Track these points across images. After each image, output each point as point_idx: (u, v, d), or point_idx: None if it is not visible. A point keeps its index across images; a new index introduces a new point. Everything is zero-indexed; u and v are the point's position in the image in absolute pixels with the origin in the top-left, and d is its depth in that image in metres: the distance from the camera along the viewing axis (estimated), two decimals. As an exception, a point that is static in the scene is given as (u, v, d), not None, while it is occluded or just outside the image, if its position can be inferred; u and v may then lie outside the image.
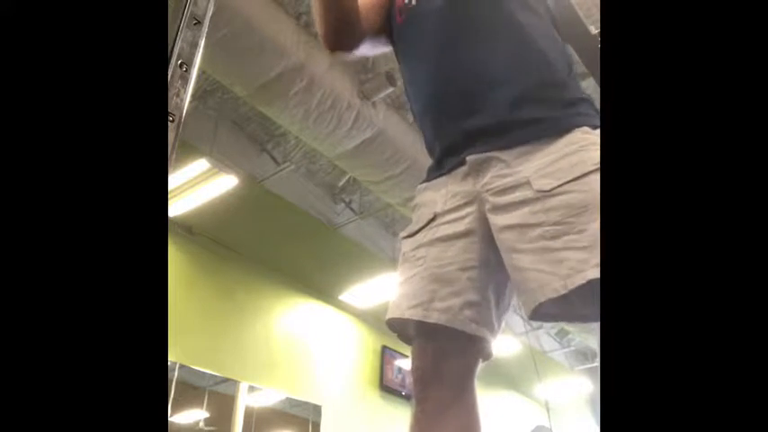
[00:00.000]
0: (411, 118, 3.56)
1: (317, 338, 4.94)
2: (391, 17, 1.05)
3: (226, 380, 4.12)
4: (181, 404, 3.80)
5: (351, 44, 1.04)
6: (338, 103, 3.28)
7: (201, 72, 3.33)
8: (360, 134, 3.47)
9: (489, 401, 6.28)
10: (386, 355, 5.49)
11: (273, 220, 4.39)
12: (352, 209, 5.00)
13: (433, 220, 0.88)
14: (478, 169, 0.85)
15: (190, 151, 3.42)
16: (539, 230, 0.75)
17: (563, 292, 0.70)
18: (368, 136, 3.49)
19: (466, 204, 0.86)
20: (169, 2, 0.67)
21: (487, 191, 0.82)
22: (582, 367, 7.59)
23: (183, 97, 0.68)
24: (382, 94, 3.52)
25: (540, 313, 0.76)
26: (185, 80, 0.69)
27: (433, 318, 0.81)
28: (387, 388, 5.39)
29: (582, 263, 0.69)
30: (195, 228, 4.09)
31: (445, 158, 0.92)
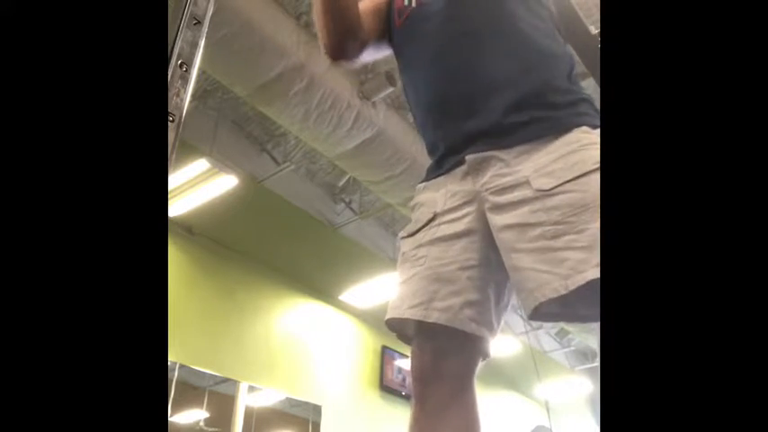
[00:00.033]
0: (411, 118, 3.55)
1: (317, 338, 4.94)
2: (390, 20, 1.05)
3: (226, 380, 4.12)
4: (181, 404, 3.80)
5: (354, 53, 1.04)
6: (338, 103, 3.28)
7: (201, 72, 3.33)
8: (360, 134, 3.47)
9: (489, 401, 6.28)
10: (386, 355, 5.49)
11: (273, 220, 4.39)
12: (352, 209, 5.00)
13: (432, 219, 0.88)
14: (478, 168, 0.85)
15: (190, 151, 3.42)
16: (539, 230, 0.74)
17: (563, 292, 0.70)
18: (368, 136, 3.49)
19: (465, 204, 0.86)
20: (169, 2, 0.67)
21: (487, 190, 0.82)
22: (582, 367, 7.59)
23: (183, 97, 0.68)
24: (382, 94, 3.52)
25: (540, 313, 0.76)
26: (185, 80, 0.69)
27: (433, 317, 0.81)
28: (387, 388, 5.39)
29: (582, 263, 0.69)
30: (195, 228, 4.09)
31: (445, 158, 0.92)
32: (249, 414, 4.18)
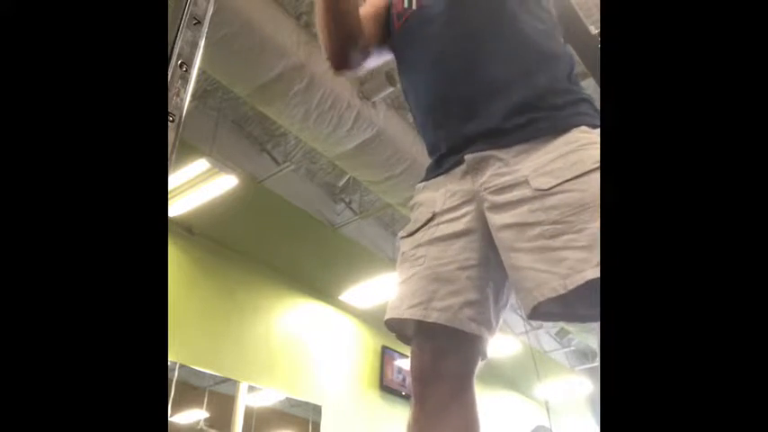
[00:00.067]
0: (411, 118, 3.55)
1: (317, 338, 4.94)
2: (390, 23, 1.05)
3: (226, 380, 4.12)
4: (181, 404, 3.80)
5: (357, 62, 1.04)
6: (338, 103, 3.28)
7: (201, 72, 3.33)
8: (360, 134, 3.47)
9: (489, 401, 6.28)
10: (386, 355, 5.49)
11: (273, 220, 4.38)
12: (352, 209, 5.00)
13: (431, 219, 0.88)
14: (477, 168, 0.85)
15: (190, 151, 3.42)
16: (537, 229, 0.74)
17: (562, 291, 0.70)
18: (368, 136, 3.49)
19: (465, 203, 0.86)
20: (169, 2, 0.67)
21: (486, 189, 0.82)
22: (582, 367, 7.59)
23: (183, 97, 0.68)
24: (382, 94, 3.52)
25: (539, 312, 0.76)
26: (185, 80, 0.69)
27: (433, 317, 0.81)
28: (387, 388, 5.39)
29: (581, 262, 0.69)
30: (195, 228, 4.08)
31: (444, 158, 0.92)
32: (249, 414, 4.18)
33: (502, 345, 5.56)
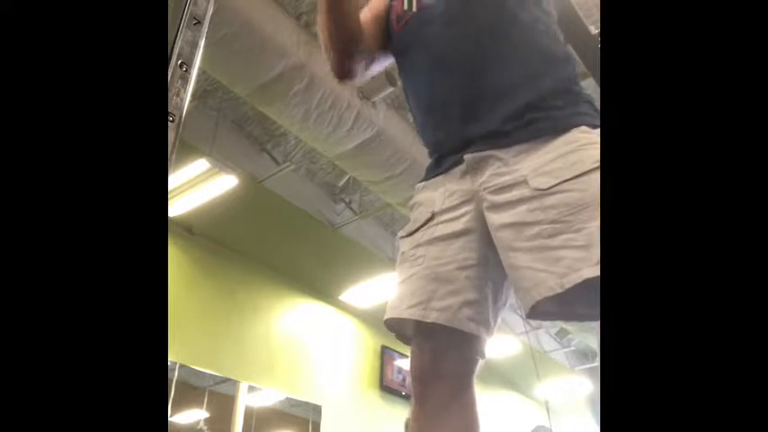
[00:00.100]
0: (411, 118, 3.55)
1: (317, 338, 4.94)
2: (389, 26, 1.04)
3: (226, 380, 4.12)
4: (181, 404, 3.80)
5: (360, 70, 1.03)
6: (338, 103, 3.28)
7: (201, 72, 3.33)
8: (360, 134, 3.46)
9: (489, 401, 6.28)
10: (386, 355, 5.49)
11: (273, 220, 4.38)
12: (352, 209, 5.00)
13: (431, 219, 0.88)
14: (476, 168, 0.85)
15: (190, 151, 3.42)
16: (536, 229, 0.75)
17: (559, 290, 0.70)
18: (368, 136, 3.49)
19: (464, 203, 0.86)
20: (169, 2, 0.67)
21: (485, 189, 0.83)
22: (582, 367, 7.59)
23: (183, 97, 0.68)
24: (382, 94, 3.52)
25: (538, 312, 0.76)
26: (185, 80, 0.69)
27: (432, 317, 0.81)
28: (387, 388, 5.39)
29: (578, 261, 0.69)
30: (195, 228, 4.09)
31: (444, 158, 0.92)
32: (249, 414, 4.19)
33: (502, 345, 5.56)
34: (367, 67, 1.05)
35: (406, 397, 5.26)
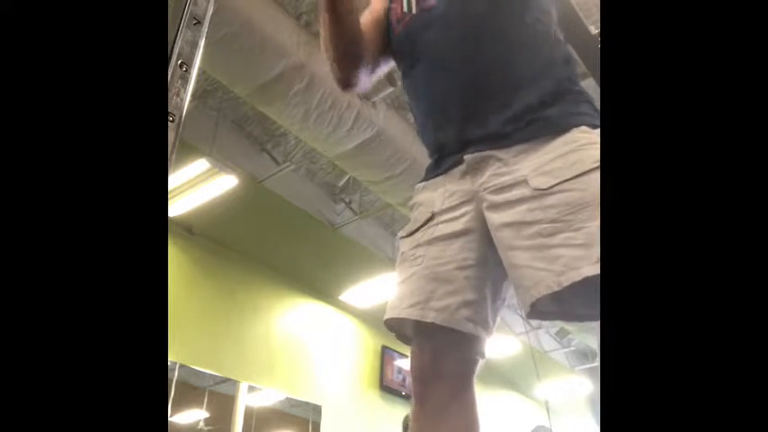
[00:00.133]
0: (411, 118, 3.55)
1: (317, 338, 4.94)
2: (389, 29, 1.04)
3: (226, 380, 4.12)
4: (181, 404, 3.80)
5: (364, 80, 1.03)
6: (338, 103, 3.28)
7: (201, 72, 3.33)
8: (360, 134, 3.46)
9: (489, 401, 6.28)
10: (386, 355, 5.49)
11: (273, 220, 4.38)
12: (352, 209, 5.00)
13: (431, 219, 0.88)
14: (476, 168, 0.85)
15: (190, 151, 3.42)
16: (535, 228, 0.75)
17: (556, 288, 0.70)
18: (368, 136, 3.49)
19: (464, 203, 0.86)
20: (169, 2, 0.67)
21: (485, 189, 0.83)
22: (582, 367, 7.59)
23: (183, 97, 0.68)
24: (382, 95, 3.52)
25: (537, 311, 0.76)
26: (185, 80, 0.69)
27: (430, 317, 0.81)
28: (387, 388, 5.39)
29: (578, 260, 0.69)
30: (195, 228, 4.09)
31: (443, 158, 0.92)
32: (249, 414, 4.19)
33: (502, 345, 5.56)
34: (370, 75, 1.04)
35: (406, 397, 5.26)
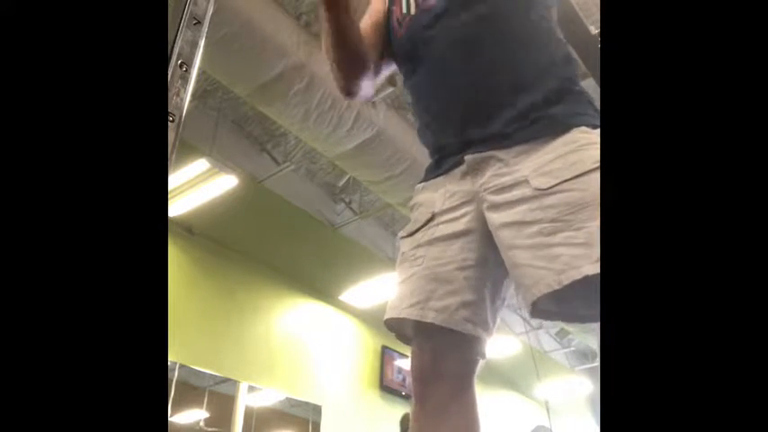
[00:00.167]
0: (411, 118, 3.56)
1: (317, 338, 4.94)
2: (390, 30, 1.04)
3: (226, 380, 4.12)
4: (181, 404, 3.80)
5: (367, 89, 1.03)
6: (338, 103, 3.28)
7: (201, 72, 3.33)
8: (360, 134, 3.46)
9: (489, 401, 6.28)
10: (386, 355, 5.49)
11: (273, 220, 4.39)
12: (352, 209, 5.00)
13: (431, 219, 0.88)
14: (477, 168, 0.85)
15: (190, 151, 3.42)
16: (536, 227, 0.75)
17: (557, 287, 0.70)
18: (368, 136, 3.49)
19: (464, 204, 0.86)
20: (169, 2, 0.67)
21: (486, 190, 0.83)
22: (582, 367, 7.59)
23: (183, 97, 0.68)
24: (382, 95, 3.52)
25: (539, 310, 0.77)
26: (185, 80, 0.69)
27: (429, 317, 0.81)
28: (387, 388, 5.39)
29: (578, 258, 0.69)
30: (195, 228, 4.09)
31: (444, 159, 0.92)
32: (249, 414, 4.19)
33: (502, 345, 5.56)
34: (373, 81, 1.04)
35: (406, 397, 5.26)
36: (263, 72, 3.03)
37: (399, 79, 1.09)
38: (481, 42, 0.89)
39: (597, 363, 5.72)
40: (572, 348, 7.51)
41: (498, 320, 0.87)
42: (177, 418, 3.80)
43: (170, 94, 0.66)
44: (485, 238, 0.83)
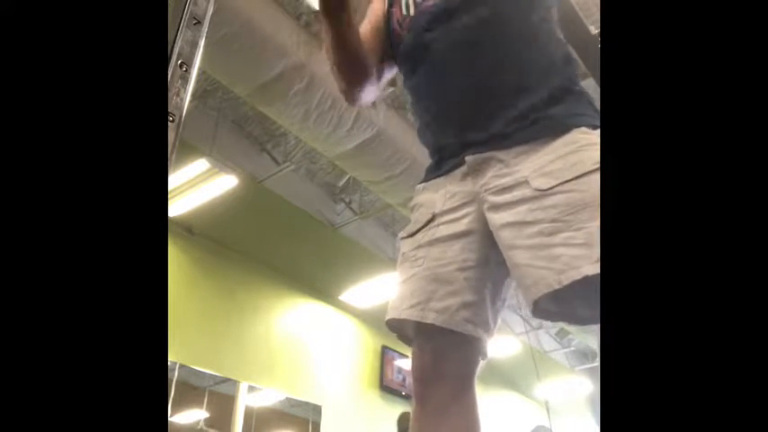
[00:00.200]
0: (411, 118, 3.56)
1: (317, 338, 4.94)
2: (390, 32, 1.04)
3: (226, 380, 4.12)
4: (181, 404, 3.80)
5: (371, 94, 1.03)
6: (338, 103, 3.28)
7: (201, 72, 3.33)
8: (360, 134, 3.47)
9: (489, 401, 6.28)
10: (386, 355, 5.50)
11: (273, 220, 4.39)
12: (352, 209, 5.00)
13: (431, 220, 0.88)
14: (478, 169, 0.85)
15: (190, 151, 3.42)
16: (536, 227, 0.75)
17: (557, 287, 0.70)
18: (368, 136, 3.49)
19: (465, 204, 0.86)
20: (169, 2, 0.67)
21: (486, 191, 0.83)
22: (582, 367, 7.59)
23: (183, 97, 0.68)
24: (382, 95, 3.52)
25: (540, 310, 0.77)
26: (185, 80, 0.69)
27: (430, 318, 0.81)
28: (387, 388, 5.39)
29: (578, 259, 0.69)
30: (195, 228, 4.09)
31: (444, 159, 0.92)
32: (249, 414, 4.19)
33: (502, 345, 5.57)
34: (376, 86, 1.04)
35: (406, 397, 5.26)
36: (263, 72, 3.03)
37: (399, 79, 1.09)
38: (482, 45, 0.89)
39: (597, 363, 5.72)
40: (572, 348, 7.51)
41: (499, 321, 0.87)
42: (177, 418, 3.80)
43: (170, 94, 0.66)
44: (485, 238, 0.83)
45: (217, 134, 3.93)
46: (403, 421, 3.48)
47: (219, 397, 4.13)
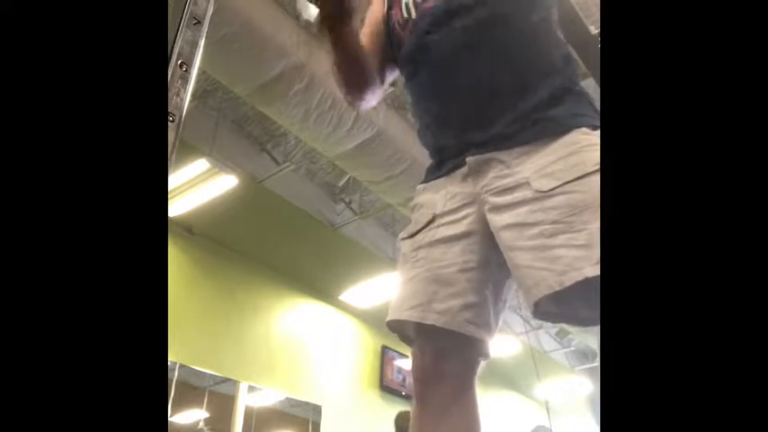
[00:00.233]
0: (411, 118, 3.56)
1: (317, 338, 4.94)
2: (390, 35, 1.04)
3: (226, 380, 4.12)
4: (181, 404, 3.80)
5: (374, 97, 1.04)
6: (338, 103, 3.28)
7: (201, 72, 3.33)
8: (360, 134, 3.46)
9: (489, 401, 6.28)
10: (386, 355, 5.49)
11: (273, 220, 4.39)
12: (352, 209, 5.00)
13: (432, 221, 0.88)
14: (478, 170, 0.85)
15: (190, 151, 3.42)
16: (537, 228, 0.75)
17: (558, 288, 0.70)
18: (368, 136, 3.49)
19: (465, 205, 0.86)
20: (169, 2, 0.67)
21: (487, 192, 0.83)
22: (582, 367, 7.59)
23: (183, 97, 0.68)
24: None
25: (541, 311, 0.77)
26: (185, 80, 0.69)
27: (431, 319, 0.81)
28: (387, 388, 5.39)
29: (578, 260, 0.69)
30: (195, 228, 4.09)
31: (445, 160, 0.92)
32: (249, 414, 4.19)
33: (502, 345, 5.56)
34: (378, 90, 1.05)
35: (407, 397, 5.26)
36: (263, 72, 3.03)
37: (399, 80, 1.09)
38: (482, 46, 0.89)
39: (597, 363, 5.72)
40: (572, 348, 7.51)
41: (501, 321, 0.87)
42: (177, 418, 3.80)
43: (170, 94, 0.66)
44: (486, 239, 0.83)
45: (217, 134, 3.93)
46: (400, 420, 3.48)
47: (219, 397, 4.13)
